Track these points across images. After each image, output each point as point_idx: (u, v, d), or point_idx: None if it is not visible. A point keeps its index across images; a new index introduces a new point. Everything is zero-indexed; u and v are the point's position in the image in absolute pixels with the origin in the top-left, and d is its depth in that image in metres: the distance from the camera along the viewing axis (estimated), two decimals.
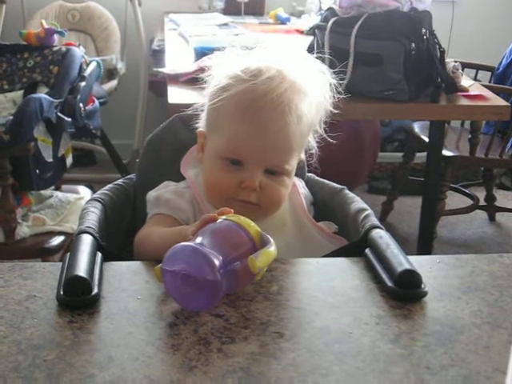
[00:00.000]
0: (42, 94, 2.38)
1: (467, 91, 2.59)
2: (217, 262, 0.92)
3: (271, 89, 1.14)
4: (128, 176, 1.37)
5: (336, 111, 1.23)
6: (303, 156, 1.27)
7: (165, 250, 0.97)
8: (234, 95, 1.16)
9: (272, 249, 0.99)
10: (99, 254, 1.05)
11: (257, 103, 1.14)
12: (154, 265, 1.00)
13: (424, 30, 2.41)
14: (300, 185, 1.33)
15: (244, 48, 1.24)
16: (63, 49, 2.59)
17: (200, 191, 1.23)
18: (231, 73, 1.18)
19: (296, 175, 1.30)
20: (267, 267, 1.00)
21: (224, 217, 1.04)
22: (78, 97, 2.47)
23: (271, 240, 1.01)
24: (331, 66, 1.26)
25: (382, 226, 1.14)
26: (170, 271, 0.94)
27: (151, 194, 1.26)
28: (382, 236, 1.10)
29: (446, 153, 3.02)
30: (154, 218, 1.23)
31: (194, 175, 1.27)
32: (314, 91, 1.20)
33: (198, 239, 0.97)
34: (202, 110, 1.25)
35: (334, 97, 1.22)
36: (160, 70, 2.74)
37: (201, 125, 1.26)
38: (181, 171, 1.28)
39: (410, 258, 1.03)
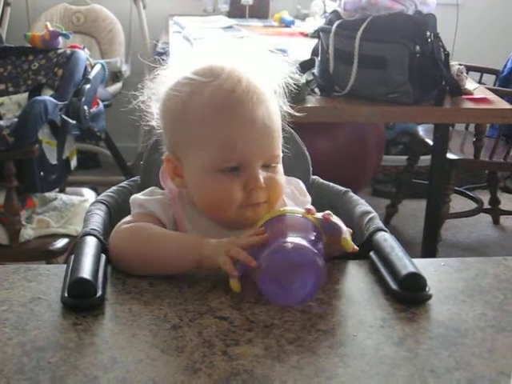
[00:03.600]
0: (47, 97, 2.38)
1: (472, 94, 2.59)
2: (308, 244, 0.96)
3: (235, 83, 1.09)
4: (132, 178, 1.36)
5: (294, 84, 1.16)
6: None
7: (174, 261, 1.03)
8: (200, 101, 1.09)
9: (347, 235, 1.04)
10: (103, 256, 1.06)
11: (230, 100, 1.08)
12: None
13: (428, 33, 2.41)
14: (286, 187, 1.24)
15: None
16: (68, 51, 2.59)
17: (180, 209, 1.15)
18: (184, 81, 1.12)
19: (299, 177, 1.29)
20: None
21: (274, 214, 1.04)
22: (83, 99, 2.47)
23: (341, 225, 1.05)
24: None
25: (386, 229, 1.14)
26: (268, 267, 0.95)
27: (136, 199, 1.17)
28: (386, 239, 1.10)
29: (450, 156, 3.02)
30: (136, 215, 1.15)
31: (176, 190, 1.18)
32: (267, 71, 1.14)
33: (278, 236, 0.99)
34: (159, 137, 1.19)
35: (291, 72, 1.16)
36: None
37: (166, 149, 1.17)
38: (161, 182, 1.20)
39: (415, 260, 1.03)
